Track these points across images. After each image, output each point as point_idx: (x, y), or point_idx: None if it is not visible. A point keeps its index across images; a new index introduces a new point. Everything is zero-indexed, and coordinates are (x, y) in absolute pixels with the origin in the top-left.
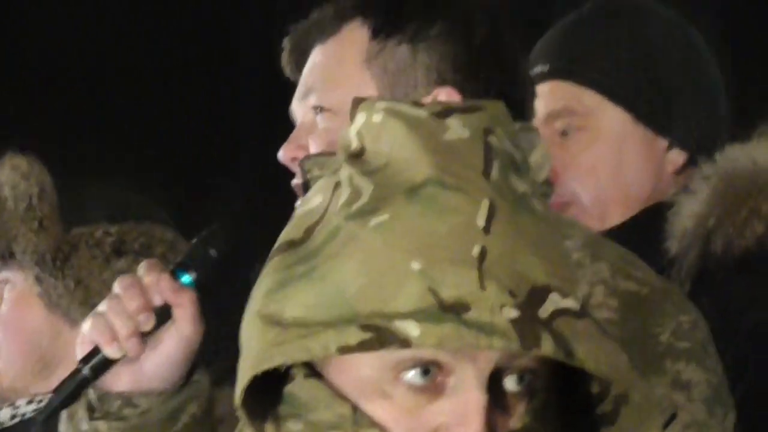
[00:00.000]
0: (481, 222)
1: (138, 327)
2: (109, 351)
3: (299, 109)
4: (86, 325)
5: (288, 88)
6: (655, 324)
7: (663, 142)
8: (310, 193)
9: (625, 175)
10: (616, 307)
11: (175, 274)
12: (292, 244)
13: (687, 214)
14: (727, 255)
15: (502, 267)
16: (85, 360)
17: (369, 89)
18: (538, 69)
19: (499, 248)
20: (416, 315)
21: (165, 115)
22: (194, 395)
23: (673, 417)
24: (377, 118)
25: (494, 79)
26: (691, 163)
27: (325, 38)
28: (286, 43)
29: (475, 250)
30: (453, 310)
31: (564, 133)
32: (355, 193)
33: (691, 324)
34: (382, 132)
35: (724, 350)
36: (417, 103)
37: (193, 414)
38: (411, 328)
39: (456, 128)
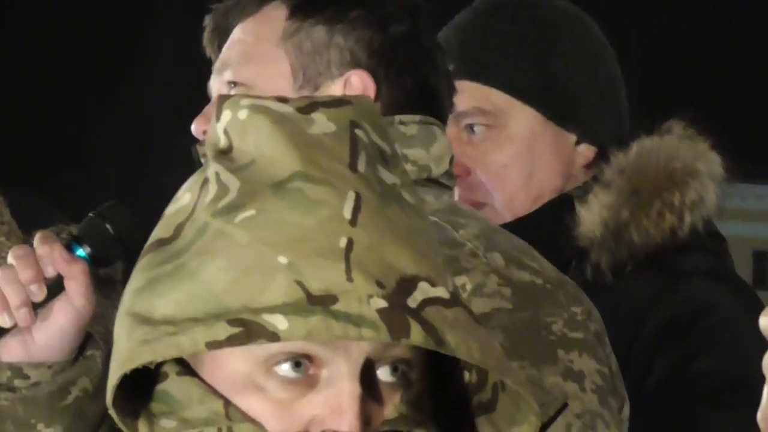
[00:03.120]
0: (347, 214)
1: (29, 297)
2: (0, 320)
3: (215, 84)
4: None
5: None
6: (549, 314)
7: (572, 137)
8: (180, 192)
9: (536, 174)
10: (509, 296)
11: (69, 247)
12: (161, 243)
13: (601, 204)
14: (642, 248)
15: (369, 258)
16: None
17: (282, 66)
18: None
19: (366, 240)
20: (284, 308)
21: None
22: (86, 370)
23: (564, 406)
24: (242, 114)
25: (408, 68)
26: (599, 156)
27: (245, 17)
28: (208, 22)
29: (342, 242)
30: (321, 302)
31: (472, 130)
32: (222, 190)
33: (584, 315)
34: (247, 128)
35: (631, 343)
36: (282, 99)
37: (84, 389)
38: (279, 322)
39: (321, 122)
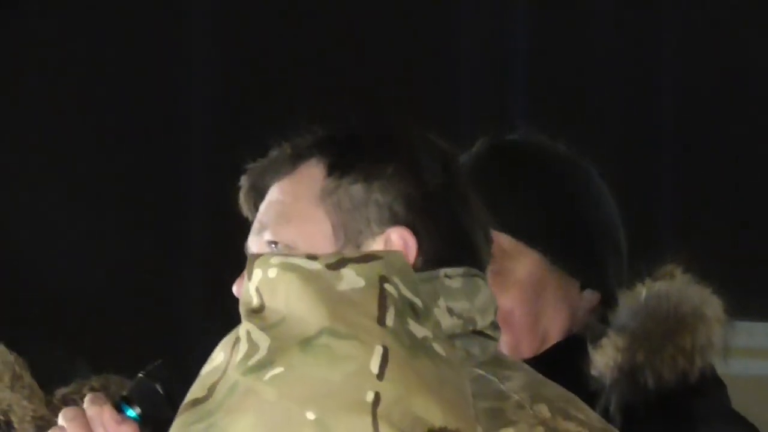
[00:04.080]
0: (374, 368)
1: None
2: None
3: (254, 244)
4: None
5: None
6: None
7: (577, 283)
8: (215, 352)
9: (542, 318)
10: None
11: (119, 408)
12: (195, 402)
13: (615, 348)
14: (657, 390)
15: (396, 411)
16: None
17: (323, 226)
18: None
19: (393, 393)
20: None
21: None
22: None
23: None
24: (272, 273)
25: (447, 220)
26: (603, 301)
27: (282, 176)
28: (243, 181)
29: (369, 396)
30: None
31: None
32: (252, 348)
33: None
34: (278, 286)
35: None
36: (311, 256)
37: None
38: None
39: (350, 278)
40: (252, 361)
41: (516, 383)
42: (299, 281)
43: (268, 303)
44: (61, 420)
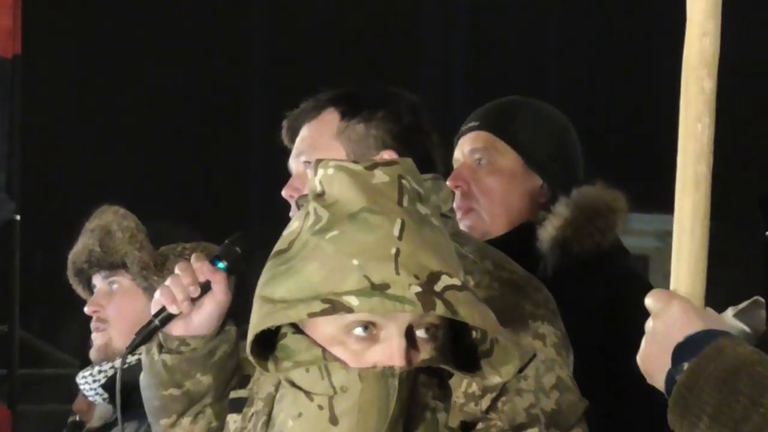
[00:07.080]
0: (396, 233)
1: (189, 294)
2: (171, 309)
3: (294, 164)
4: (157, 293)
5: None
6: (522, 298)
7: (538, 181)
8: (292, 220)
9: (510, 199)
10: (497, 288)
11: (213, 262)
12: (280, 252)
13: (552, 227)
14: (579, 255)
15: (410, 261)
16: (156, 315)
17: (339, 152)
18: (472, 124)
19: (408, 249)
20: (356, 292)
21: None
22: (226, 339)
23: (533, 356)
24: (330, 171)
25: (417, 146)
26: (553, 198)
27: (310, 120)
28: (285, 123)
29: (393, 251)
30: (379, 289)
31: (479, 162)
32: (317, 219)
33: (544, 298)
34: (333, 180)
35: (574, 317)
36: (354, 161)
37: (225, 351)
38: (353, 301)
39: (380, 176)
40: (317, 227)
41: (470, 248)
42: (347, 176)
43: (327, 190)
44: (176, 270)
